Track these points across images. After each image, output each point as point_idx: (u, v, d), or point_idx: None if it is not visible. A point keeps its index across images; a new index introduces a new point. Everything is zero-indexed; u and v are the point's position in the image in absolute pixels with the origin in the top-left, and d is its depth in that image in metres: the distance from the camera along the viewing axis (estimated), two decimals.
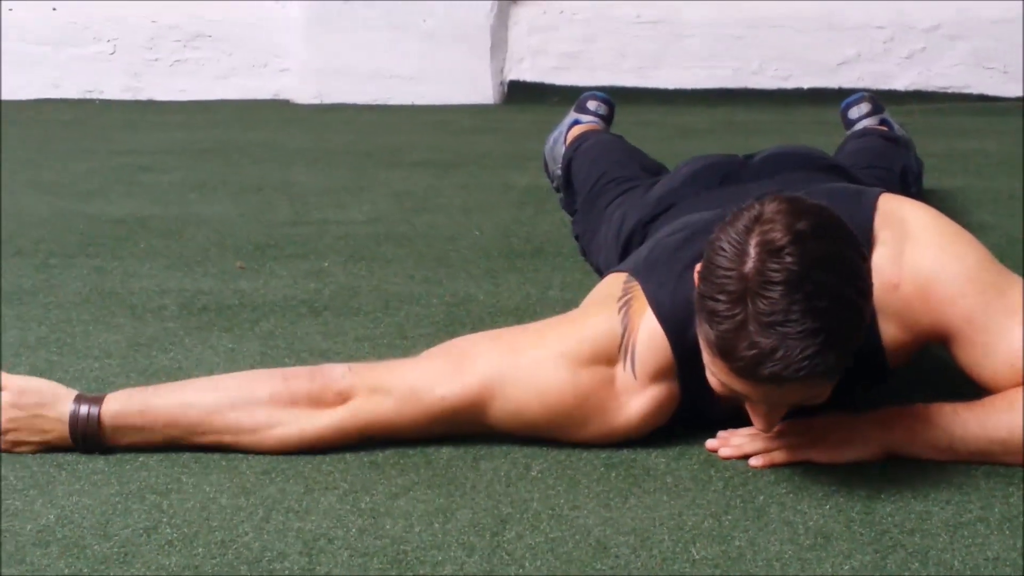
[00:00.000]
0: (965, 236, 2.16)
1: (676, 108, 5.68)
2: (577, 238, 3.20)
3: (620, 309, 2.12)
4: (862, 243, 1.97)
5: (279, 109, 5.79)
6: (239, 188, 4.12)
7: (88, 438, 2.13)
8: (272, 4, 5.95)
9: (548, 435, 2.14)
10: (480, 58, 5.80)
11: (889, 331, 2.09)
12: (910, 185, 3.26)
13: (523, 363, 2.11)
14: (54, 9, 6.03)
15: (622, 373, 2.10)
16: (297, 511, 1.95)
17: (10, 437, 2.14)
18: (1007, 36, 5.68)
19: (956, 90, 5.79)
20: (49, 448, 2.14)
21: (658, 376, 2.11)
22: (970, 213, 3.61)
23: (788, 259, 1.84)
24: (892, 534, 1.86)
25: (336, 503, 1.98)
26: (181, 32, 6.01)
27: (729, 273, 1.87)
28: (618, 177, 3.10)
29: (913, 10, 5.76)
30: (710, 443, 2.15)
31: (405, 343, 2.65)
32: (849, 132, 3.62)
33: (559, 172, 3.48)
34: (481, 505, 1.97)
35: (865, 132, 3.56)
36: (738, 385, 1.92)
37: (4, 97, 5.94)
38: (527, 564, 1.79)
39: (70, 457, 2.13)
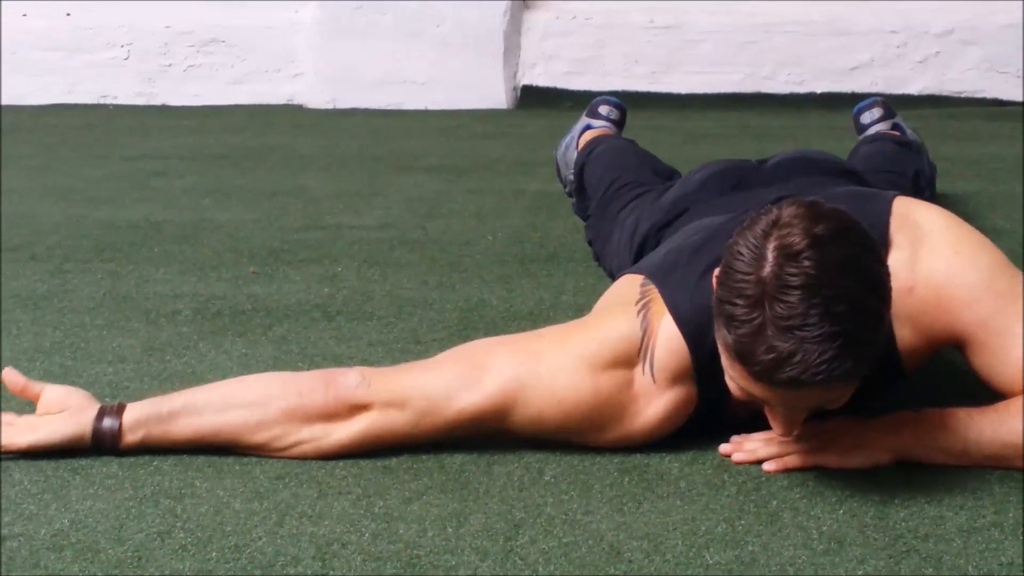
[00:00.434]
0: (980, 240, 2.16)
1: (688, 113, 5.68)
2: (590, 243, 3.20)
3: (639, 312, 2.12)
4: (877, 242, 1.97)
5: (292, 114, 5.80)
6: (252, 193, 4.13)
7: (105, 453, 2.14)
8: (285, 10, 5.96)
9: (566, 439, 2.14)
10: (493, 63, 5.81)
11: (903, 335, 2.09)
12: (923, 189, 3.25)
13: (542, 370, 2.11)
14: (68, 15, 6.05)
15: (640, 376, 2.10)
16: (311, 516, 1.96)
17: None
18: (1021, 41, 5.67)
19: (970, 94, 5.78)
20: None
21: (676, 379, 2.11)
22: (983, 217, 3.60)
23: (806, 263, 1.84)
24: (906, 539, 1.86)
25: (349, 508, 1.98)
26: (194, 37, 6.02)
27: (747, 277, 1.87)
28: (631, 182, 3.10)
29: (926, 15, 5.76)
30: (723, 448, 2.15)
31: (418, 348, 2.65)
32: (861, 137, 3.62)
33: (572, 177, 3.48)
34: (494, 510, 1.97)
35: (877, 137, 3.56)
36: (756, 389, 1.92)
37: (18, 103, 5.96)
38: (540, 569, 1.79)
39: (84, 461, 2.13)
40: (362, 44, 5.83)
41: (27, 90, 5.99)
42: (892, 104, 3.79)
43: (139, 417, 2.14)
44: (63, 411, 2.16)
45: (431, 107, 5.81)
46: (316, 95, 5.92)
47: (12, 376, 2.21)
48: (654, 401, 2.11)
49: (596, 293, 2.42)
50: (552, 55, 5.91)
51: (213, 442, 2.14)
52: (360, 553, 1.84)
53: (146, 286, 3.12)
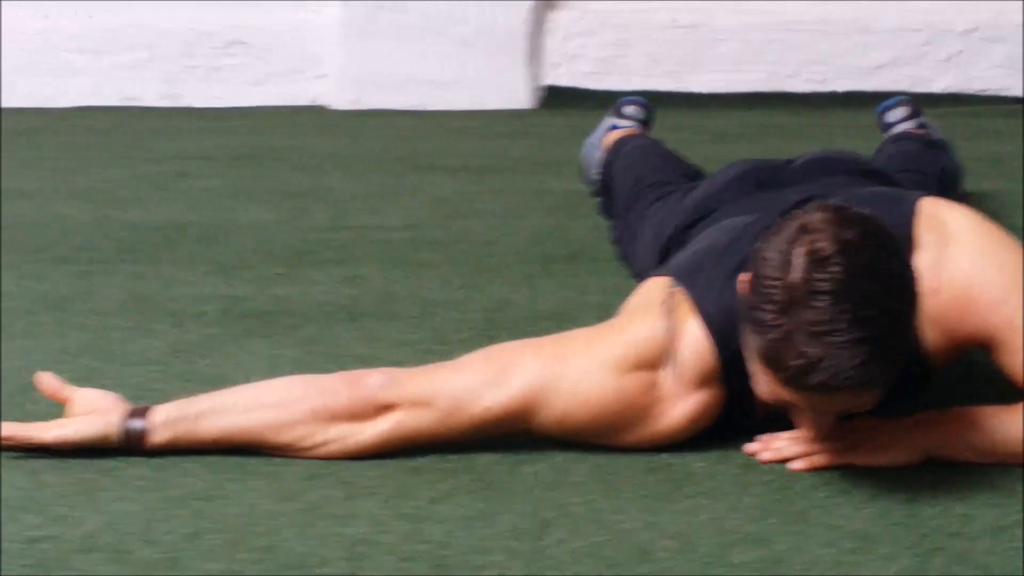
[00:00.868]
0: (1006, 239, 2.16)
1: (711, 112, 5.67)
2: (615, 243, 3.20)
3: (664, 314, 2.12)
4: (906, 247, 1.98)
5: (315, 115, 5.81)
6: (276, 194, 4.14)
7: (132, 453, 2.16)
8: (308, 11, 5.98)
9: (592, 440, 2.15)
10: (516, 63, 5.81)
11: (930, 336, 2.09)
12: (948, 189, 3.24)
13: (567, 372, 2.11)
14: (90, 17, 6.07)
15: (666, 378, 2.10)
16: (339, 516, 1.96)
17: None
18: None
19: (994, 92, 5.77)
20: None
21: (703, 381, 2.11)
22: (1008, 217, 3.59)
23: (835, 268, 1.84)
24: (934, 537, 1.86)
25: (378, 508, 1.99)
26: (218, 39, 6.03)
27: (775, 283, 1.87)
28: (656, 182, 3.10)
29: (950, 13, 5.75)
30: (750, 447, 2.15)
31: (443, 348, 2.66)
32: (887, 136, 3.61)
33: (597, 177, 3.49)
34: (522, 509, 1.98)
35: (903, 136, 3.55)
36: (785, 394, 1.92)
37: (43, 105, 5.97)
38: (569, 568, 1.80)
39: (114, 463, 2.14)
40: (385, 45, 5.84)
41: (52, 92, 6.01)
42: (916, 103, 3.78)
43: (166, 418, 2.15)
44: (92, 412, 2.18)
45: (454, 107, 5.81)
46: (339, 96, 5.93)
47: (47, 379, 2.22)
48: (680, 403, 2.12)
49: (621, 293, 2.42)
50: (576, 55, 5.91)
51: (239, 442, 2.15)
52: (389, 553, 1.85)
53: (171, 288, 3.13)
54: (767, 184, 2.64)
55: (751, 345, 1.93)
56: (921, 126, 3.62)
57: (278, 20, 6.00)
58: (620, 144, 3.43)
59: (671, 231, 2.68)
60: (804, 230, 1.89)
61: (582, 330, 2.24)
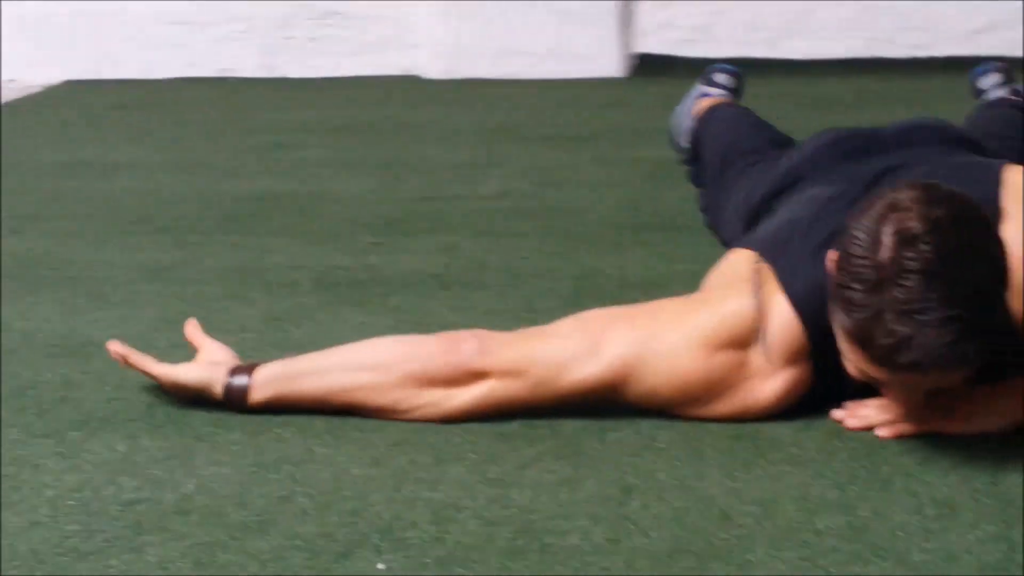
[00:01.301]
0: None
1: (808, 79, 5.64)
2: (704, 210, 3.20)
3: (752, 292, 2.13)
4: (995, 224, 1.97)
5: (410, 85, 5.85)
6: (371, 164, 4.19)
7: (234, 408, 2.23)
8: None
9: (681, 413, 2.17)
10: (608, 32, 5.81)
11: (1018, 307, 2.07)
12: None
13: (658, 346, 2.13)
14: None
15: (756, 357, 2.11)
16: (427, 481, 2.00)
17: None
18: None
19: None
20: None
21: (792, 359, 2.12)
22: None
23: (924, 248, 1.85)
24: (1018, 504, 1.86)
25: (465, 473, 2.02)
26: (314, 10, 6.09)
27: (865, 262, 1.88)
28: (746, 150, 3.10)
29: None
30: (837, 413, 2.16)
31: (532, 316, 2.67)
32: (979, 102, 3.58)
33: (687, 145, 3.48)
34: (607, 476, 2.00)
35: (997, 102, 3.51)
36: (875, 372, 1.93)
37: (140, 76, 6.06)
38: (652, 533, 1.82)
39: (208, 428, 2.20)
40: (479, 15, 5.86)
41: (151, 64, 6.10)
42: (1015, 68, 3.74)
43: (268, 376, 2.22)
44: (207, 362, 2.28)
45: (547, 77, 5.83)
46: (434, 66, 5.97)
47: (192, 325, 2.38)
48: (769, 381, 2.13)
49: (709, 262, 2.43)
50: (667, 23, 5.90)
51: (337, 403, 2.20)
52: (475, 518, 1.88)
53: (267, 257, 3.18)
54: (855, 153, 2.63)
55: (840, 323, 1.94)
56: (1015, 92, 3.57)
57: None
58: (710, 112, 3.42)
59: (758, 200, 2.68)
60: (893, 208, 1.89)
61: (671, 301, 2.25)
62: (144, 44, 6.12)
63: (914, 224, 1.87)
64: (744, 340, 2.12)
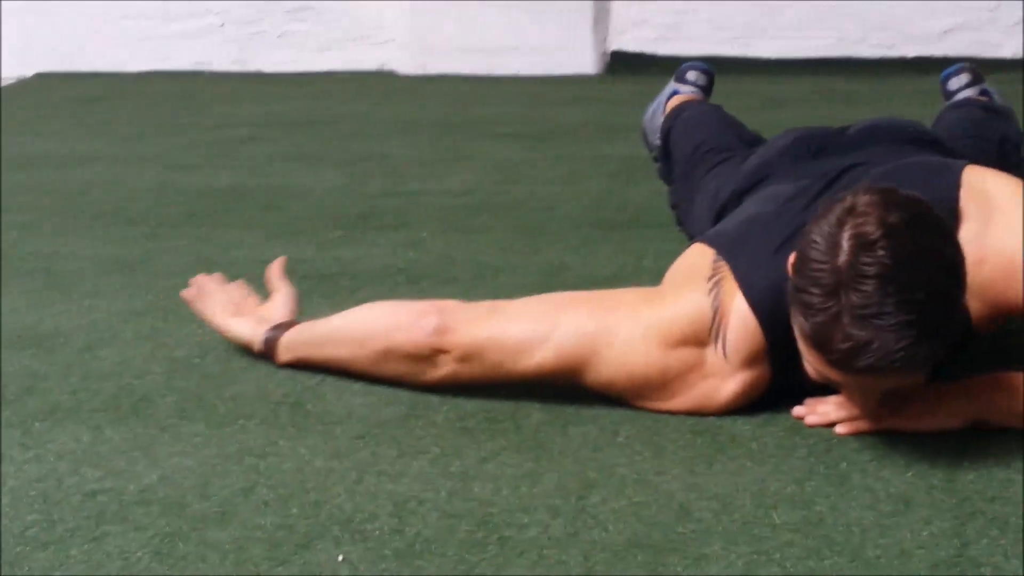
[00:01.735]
0: None
1: (777, 78, 5.66)
2: (674, 207, 3.22)
3: (710, 291, 2.14)
4: (952, 227, 1.98)
5: (382, 80, 5.86)
6: (340, 159, 4.19)
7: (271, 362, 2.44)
8: None
9: (638, 405, 2.18)
10: (582, 29, 5.82)
11: (974, 306, 2.09)
12: (1009, 155, 3.23)
13: (614, 342, 2.15)
14: None
15: (713, 356, 2.13)
16: (389, 474, 2.01)
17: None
18: None
19: None
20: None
21: (750, 360, 2.14)
22: None
23: (881, 252, 1.86)
24: (973, 501, 1.88)
25: (427, 467, 2.03)
26: (286, 4, 6.09)
27: (823, 266, 1.89)
28: (715, 147, 3.11)
29: None
30: (797, 410, 2.17)
31: None
32: (948, 103, 3.60)
33: (658, 142, 3.50)
34: (568, 469, 2.01)
35: (964, 103, 3.53)
36: (833, 375, 1.94)
37: (113, 69, 6.05)
38: (610, 527, 1.83)
39: (172, 420, 2.21)
40: (452, 10, 5.87)
41: (123, 58, 6.09)
42: (983, 69, 3.76)
43: (290, 340, 2.41)
44: (263, 313, 2.50)
45: (520, 73, 5.84)
46: (406, 61, 5.97)
47: (277, 266, 2.64)
48: (728, 380, 2.15)
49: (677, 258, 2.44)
50: (641, 20, 5.91)
51: (343, 371, 2.35)
52: (436, 510, 1.89)
53: (234, 250, 3.19)
54: (822, 152, 2.64)
55: (798, 326, 1.95)
56: (983, 93, 3.59)
57: None
58: (680, 110, 3.43)
59: (727, 197, 2.69)
60: (850, 213, 1.90)
61: (631, 292, 2.26)
62: (117, 38, 6.11)
63: (871, 229, 1.88)
64: (700, 339, 2.13)
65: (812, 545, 1.78)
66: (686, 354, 2.13)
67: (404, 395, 2.29)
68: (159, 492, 1.96)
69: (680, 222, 3.14)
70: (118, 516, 1.89)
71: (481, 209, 3.53)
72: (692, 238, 2.90)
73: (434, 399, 2.27)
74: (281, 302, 2.55)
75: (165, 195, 3.75)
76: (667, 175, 3.35)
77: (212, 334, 2.61)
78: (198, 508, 1.91)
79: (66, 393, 2.34)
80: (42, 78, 5.99)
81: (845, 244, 1.88)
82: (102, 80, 5.86)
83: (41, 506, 1.92)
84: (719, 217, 2.66)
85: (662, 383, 2.15)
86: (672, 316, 2.14)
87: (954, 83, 3.67)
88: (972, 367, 2.15)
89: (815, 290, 1.89)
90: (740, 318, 2.12)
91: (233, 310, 2.54)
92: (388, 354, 2.28)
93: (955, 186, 2.14)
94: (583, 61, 5.85)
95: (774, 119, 4.12)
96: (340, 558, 1.77)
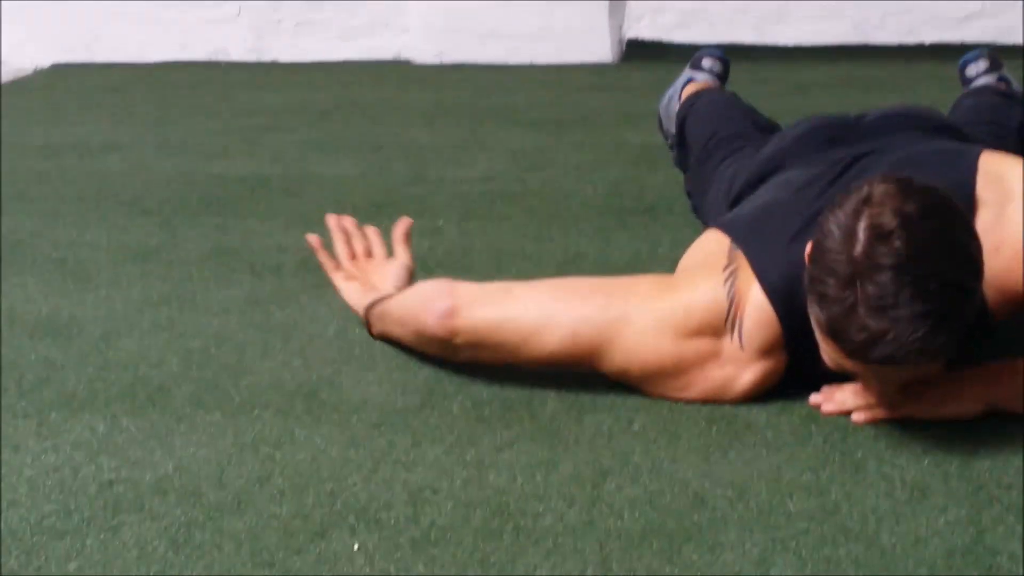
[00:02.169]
0: None
1: (796, 64, 5.63)
2: (689, 195, 3.21)
3: (726, 280, 2.14)
4: (968, 215, 1.97)
5: (400, 69, 5.84)
6: (358, 147, 4.19)
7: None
8: None
9: (652, 393, 2.18)
10: (599, 16, 5.81)
11: (990, 294, 2.08)
12: None
13: (628, 330, 2.14)
14: None
15: (729, 345, 2.13)
16: (404, 463, 2.01)
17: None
18: None
19: None
20: None
21: (766, 349, 2.13)
22: None
23: (897, 243, 1.85)
24: (989, 488, 1.88)
25: (442, 455, 2.03)
26: None
27: (838, 256, 1.88)
28: (731, 135, 3.11)
29: None
30: (814, 398, 2.17)
31: None
32: (965, 89, 3.58)
33: (673, 130, 3.49)
34: (583, 458, 2.01)
35: (982, 89, 3.52)
36: (850, 364, 1.94)
37: (131, 59, 6.06)
38: (625, 515, 1.84)
39: (188, 409, 2.22)
40: None
41: (141, 47, 6.10)
42: (1002, 55, 3.75)
43: (374, 314, 2.45)
44: (375, 280, 2.54)
45: (537, 61, 5.82)
46: (424, 49, 5.96)
47: (404, 225, 2.67)
48: (745, 370, 2.15)
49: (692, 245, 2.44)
50: (659, 7, 5.89)
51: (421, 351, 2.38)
52: (451, 499, 1.90)
53: (251, 239, 3.19)
54: (838, 140, 2.63)
55: (815, 316, 1.95)
56: (1002, 80, 3.58)
57: None
58: (695, 97, 3.43)
59: (742, 185, 2.69)
60: (867, 203, 1.89)
61: (647, 280, 2.25)
62: (135, 27, 6.11)
63: (887, 219, 1.87)
64: (716, 328, 2.13)
65: (827, 533, 1.78)
66: (702, 344, 2.13)
67: (419, 383, 2.30)
68: (175, 481, 1.97)
69: (696, 209, 3.14)
70: (134, 505, 1.90)
71: (499, 197, 3.53)
72: (707, 225, 2.91)
73: (449, 387, 2.28)
74: (393, 272, 2.56)
75: (184, 184, 3.75)
76: (683, 163, 3.34)
77: (228, 323, 2.62)
78: (214, 497, 1.92)
79: (83, 383, 2.35)
80: (59, 68, 5.99)
81: (861, 234, 1.87)
82: (121, 70, 5.86)
83: (58, 496, 1.93)
84: (734, 205, 2.66)
85: (677, 373, 2.15)
86: (688, 306, 2.14)
87: (972, 70, 3.66)
88: (989, 354, 2.14)
89: (831, 280, 1.89)
90: (756, 308, 2.12)
91: (353, 268, 2.60)
92: (420, 336, 2.30)
93: (972, 172, 2.13)
94: (600, 49, 5.83)
95: (795, 105, 4.12)
96: (355, 547, 1.78)
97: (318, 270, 2.93)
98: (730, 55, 3.74)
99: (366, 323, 2.49)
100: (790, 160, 2.60)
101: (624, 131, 4.32)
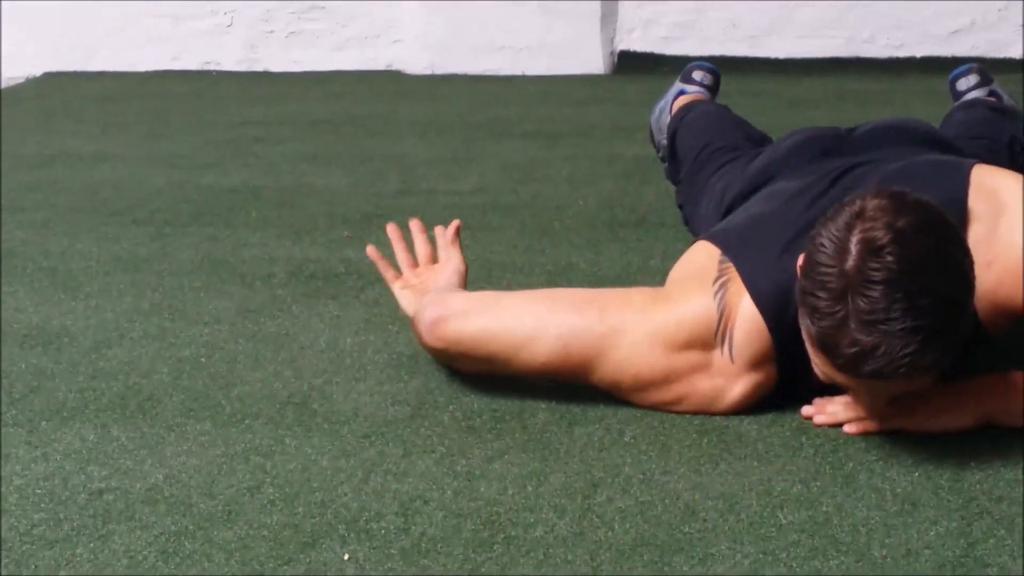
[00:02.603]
0: None
1: (787, 78, 5.64)
2: (681, 207, 3.21)
3: (716, 293, 2.14)
4: (961, 230, 1.97)
5: (392, 80, 5.85)
6: (350, 159, 4.19)
7: None
8: None
9: (643, 405, 2.18)
10: (591, 29, 5.81)
11: (984, 308, 2.08)
12: (1017, 155, 3.22)
13: (619, 343, 2.14)
14: None
15: (719, 358, 2.13)
16: (395, 473, 2.01)
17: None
18: None
19: None
20: None
21: (757, 361, 2.13)
22: None
23: (889, 258, 1.85)
24: (979, 501, 1.88)
25: (433, 466, 2.03)
26: (296, 4, 6.09)
27: (830, 270, 1.88)
28: (722, 147, 3.11)
29: None
30: (805, 410, 2.17)
31: None
32: (957, 103, 3.59)
33: (664, 142, 3.49)
34: (574, 469, 2.01)
35: (972, 103, 3.53)
36: (840, 378, 1.94)
37: (124, 69, 6.06)
38: (616, 527, 1.83)
39: (179, 419, 2.21)
40: (462, 10, 5.86)
41: (132, 58, 6.10)
42: (992, 69, 3.76)
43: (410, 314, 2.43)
44: (429, 286, 2.48)
45: (529, 73, 5.83)
46: (416, 61, 5.96)
47: (452, 229, 2.58)
48: (735, 382, 2.15)
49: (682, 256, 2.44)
50: (650, 20, 5.90)
51: None
52: (441, 509, 1.89)
53: (242, 250, 3.19)
54: (829, 152, 2.63)
55: (806, 329, 1.95)
56: (992, 93, 3.58)
57: None
58: (686, 109, 3.43)
59: (733, 196, 2.69)
60: (859, 216, 1.89)
61: (639, 293, 2.25)
62: (128, 37, 6.11)
63: (880, 234, 1.87)
64: (706, 341, 2.13)
65: (818, 545, 1.78)
66: (692, 357, 2.13)
67: (410, 394, 2.30)
68: (165, 491, 1.96)
69: (687, 222, 3.14)
70: (124, 515, 1.89)
71: (491, 209, 3.53)
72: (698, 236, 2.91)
73: (440, 398, 2.28)
74: (445, 278, 2.49)
75: (175, 194, 3.75)
76: (674, 175, 3.34)
77: (219, 333, 2.61)
78: (204, 507, 1.91)
79: (73, 392, 2.34)
80: (51, 77, 5.99)
81: (853, 248, 1.87)
82: (111, 80, 5.87)
83: (47, 504, 1.92)
84: (726, 217, 2.66)
85: (668, 385, 2.15)
86: (678, 319, 2.14)
87: (963, 84, 3.66)
88: (982, 367, 2.14)
89: (822, 294, 1.88)
90: (747, 320, 2.12)
91: (412, 277, 2.55)
92: (425, 346, 2.31)
93: (964, 185, 2.13)
94: (592, 61, 5.84)
95: (787, 119, 4.12)
96: (346, 557, 1.77)
97: (311, 280, 2.94)
98: (722, 68, 3.74)
99: (416, 330, 2.41)
100: (782, 172, 2.60)
101: (616, 143, 4.33)
